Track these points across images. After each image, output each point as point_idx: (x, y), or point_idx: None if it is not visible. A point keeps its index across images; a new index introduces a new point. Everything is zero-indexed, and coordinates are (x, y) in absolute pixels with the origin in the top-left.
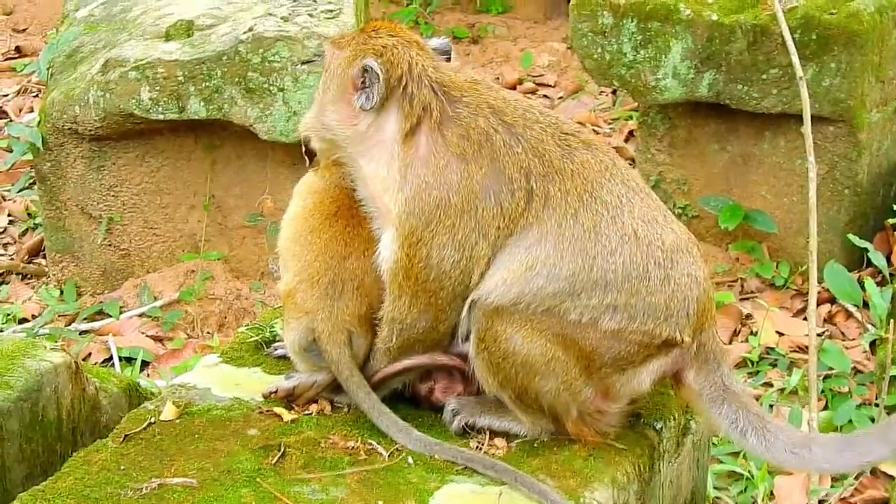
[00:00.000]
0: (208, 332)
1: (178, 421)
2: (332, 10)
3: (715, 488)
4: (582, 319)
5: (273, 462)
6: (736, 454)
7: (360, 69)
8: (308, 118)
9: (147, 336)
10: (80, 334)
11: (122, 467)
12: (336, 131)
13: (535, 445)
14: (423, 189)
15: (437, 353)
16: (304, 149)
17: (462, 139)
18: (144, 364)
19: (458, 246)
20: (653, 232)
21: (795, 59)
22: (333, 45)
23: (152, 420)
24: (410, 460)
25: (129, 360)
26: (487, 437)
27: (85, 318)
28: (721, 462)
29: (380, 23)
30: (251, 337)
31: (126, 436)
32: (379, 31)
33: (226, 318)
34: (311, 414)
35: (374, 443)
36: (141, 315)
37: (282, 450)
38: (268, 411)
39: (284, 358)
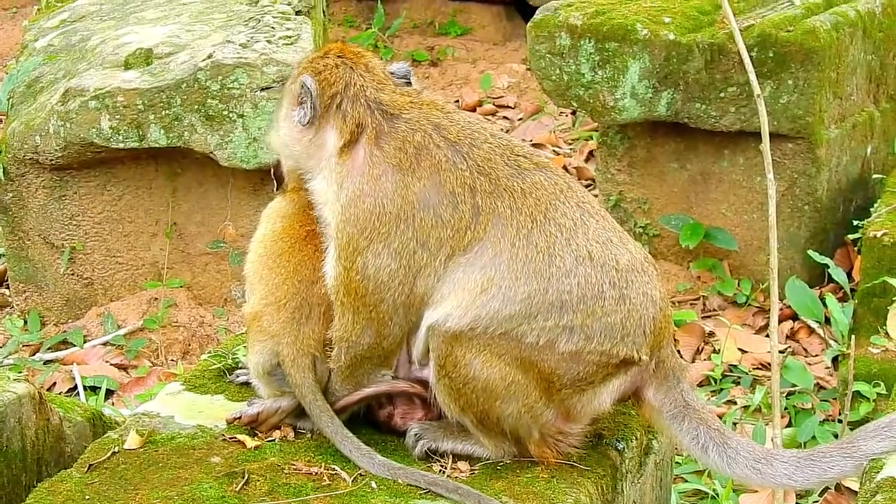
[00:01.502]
0: (172, 360)
1: (141, 450)
2: (290, 37)
3: None
4: (539, 342)
5: (237, 489)
6: (700, 472)
7: (298, 86)
8: (270, 136)
9: (111, 364)
10: (44, 364)
11: (87, 497)
12: (289, 147)
13: (498, 468)
14: (358, 197)
15: (396, 379)
16: (272, 172)
17: (399, 151)
18: (109, 393)
19: (394, 255)
20: (607, 253)
21: (753, 76)
22: (296, 66)
23: (116, 449)
24: (374, 485)
25: (93, 389)
26: (450, 460)
27: (49, 348)
28: (686, 481)
29: (336, 45)
30: (214, 364)
31: (90, 465)
32: (329, 53)
33: (190, 345)
34: (274, 440)
35: (337, 468)
36: (105, 344)
37: (245, 477)
38: (231, 438)
39: (247, 384)
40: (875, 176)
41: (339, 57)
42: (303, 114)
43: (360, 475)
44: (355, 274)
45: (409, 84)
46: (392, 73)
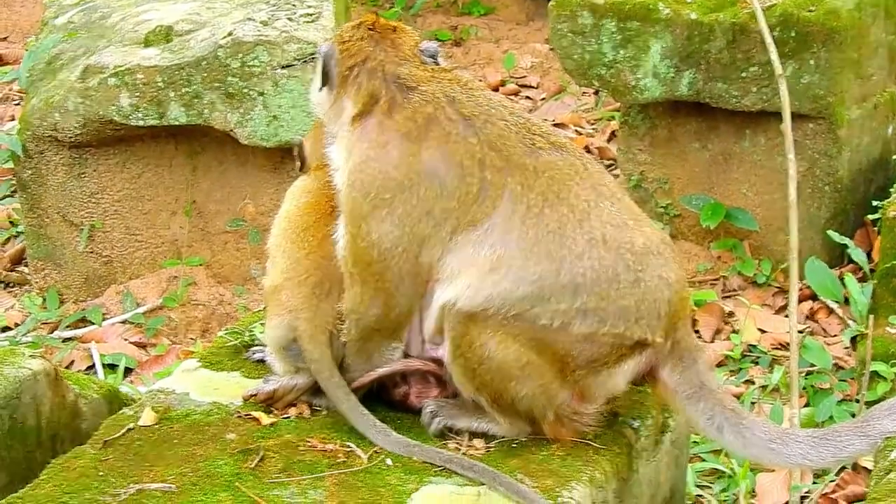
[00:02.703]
0: (191, 338)
1: (156, 426)
2: (311, 14)
3: (697, 486)
4: (553, 324)
5: (252, 466)
6: (718, 452)
7: (319, 53)
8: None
9: (130, 343)
10: (63, 342)
11: (101, 473)
12: (317, 110)
13: (514, 446)
14: (364, 162)
15: (410, 358)
16: (296, 152)
17: (408, 120)
18: (128, 371)
19: (397, 222)
20: (622, 236)
21: (775, 56)
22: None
23: (131, 426)
24: (389, 462)
25: (112, 367)
26: (466, 438)
27: (68, 326)
28: (703, 460)
29: (370, 17)
30: (230, 341)
31: (105, 442)
32: (362, 24)
33: (209, 323)
34: (289, 417)
35: (352, 445)
36: (124, 322)
37: (260, 454)
38: (246, 415)
39: (262, 362)
40: (895, 157)
41: (369, 29)
42: (318, 79)
43: (376, 452)
44: (360, 241)
45: (436, 63)
46: (421, 51)
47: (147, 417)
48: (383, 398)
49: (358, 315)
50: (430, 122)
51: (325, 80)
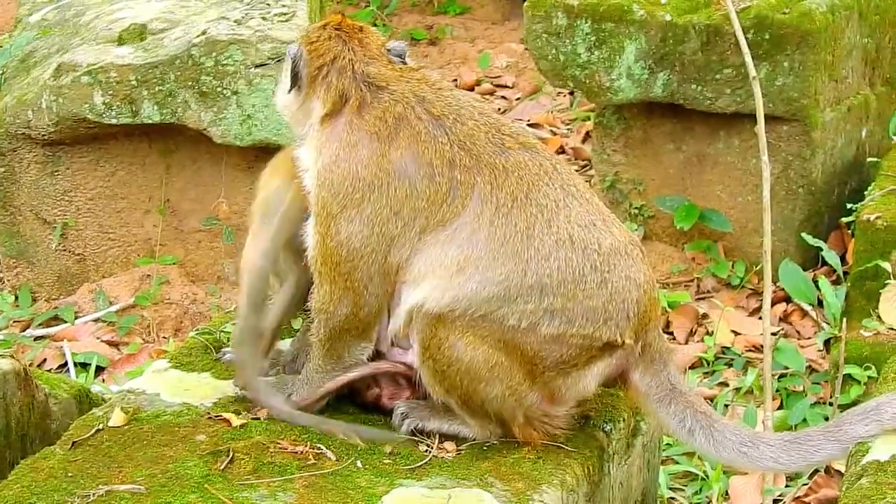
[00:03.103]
0: (164, 337)
1: (126, 427)
2: (285, 13)
3: (670, 489)
4: (521, 325)
5: (221, 468)
6: (691, 454)
7: (288, 54)
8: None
9: (102, 341)
10: (35, 340)
11: (70, 474)
12: (284, 113)
13: (485, 448)
14: (333, 162)
15: (378, 361)
16: None
17: (378, 120)
18: (100, 369)
19: (366, 221)
20: (590, 236)
21: (748, 58)
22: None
23: (101, 426)
24: (359, 464)
25: (84, 366)
26: (437, 440)
27: (40, 324)
28: (676, 462)
29: (336, 17)
30: (201, 342)
31: (74, 442)
32: (328, 25)
33: (182, 322)
34: (259, 419)
35: (322, 447)
36: (96, 320)
37: (230, 455)
38: (217, 416)
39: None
40: (870, 159)
41: (335, 29)
42: (288, 81)
43: (346, 454)
44: (329, 240)
45: (404, 62)
46: (389, 51)
47: (117, 418)
48: (355, 400)
49: (327, 315)
50: (399, 122)
51: (295, 81)
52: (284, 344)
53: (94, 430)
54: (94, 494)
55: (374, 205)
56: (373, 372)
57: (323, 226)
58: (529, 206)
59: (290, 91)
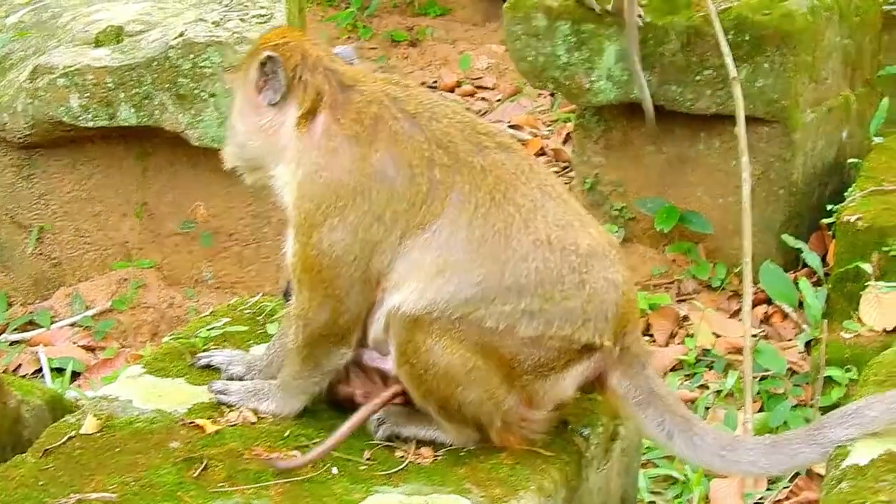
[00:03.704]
0: (141, 341)
1: (98, 434)
2: (263, 15)
3: (650, 492)
4: (498, 327)
5: (195, 475)
6: (671, 458)
7: (258, 66)
8: (226, 150)
9: (79, 346)
10: (10, 345)
11: (41, 483)
12: (249, 146)
13: (462, 454)
14: (315, 172)
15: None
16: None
17: (355, 122)
18: (76, 374)
19: (349, 229)
20: (567, 237)
21: (729, 60)
22: (230, 71)
23: (73, 434)
24: (335, 471)
25: (60, 371)
26: (413, 446)
27: (15, 329)
28: (656, 466)
29: (269, 33)
30: (176, 347)
31: (46, 450)
32: (267, 38)
33: (159, 326)
34: (234, 425)
35: (298, 454)
36: (73, 325)
37: (204, 462)
38: (190, 423)
39: (209, 367)
40: (850, 160)
41: (283, 37)
42: (272, 92)
43: (321, 461)
44: (311, 249)
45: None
46: (337, 55)
47: (89, 425)
48: (328, 399)
49: (306, 321)
50: (377, 123)
51: (278, 90)
52: (259, 349)
53: (66, 438)
54: (65, 503)
55: (357, 211)
56: (380, 405)
57: (305, 235)
58: (507, 206)
59: (276, 101)
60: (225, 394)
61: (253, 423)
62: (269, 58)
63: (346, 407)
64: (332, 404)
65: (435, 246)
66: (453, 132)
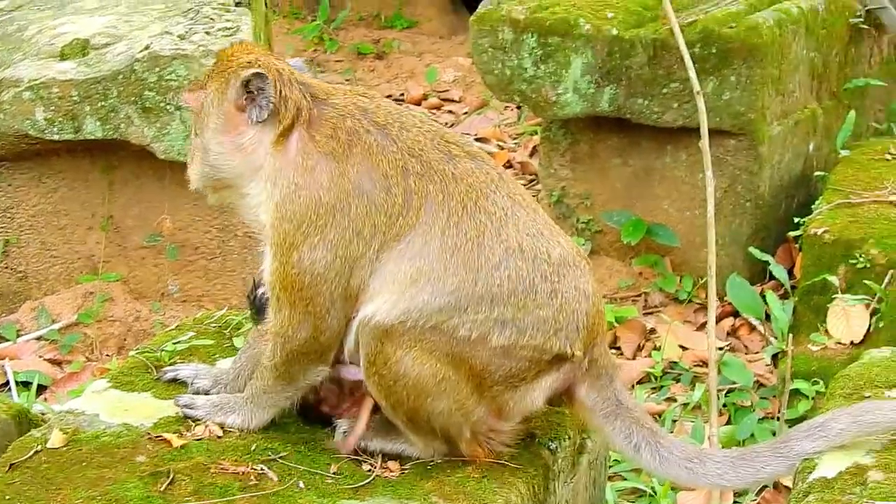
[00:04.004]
0: (107, 355)
1: (65, 448)
2: (229, 28)
3: None
4: (471, 336)
5: (161, 489)
6: (638, 470)
7: (240, 85)
8: (193, 171)
9: (45, 360)
10: None
11: (8, 497)
12: (225, 166)
13: (429, 467)
14: (293, 192)
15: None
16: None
17: (330, 139)
18: (42, 388)
19: (330, 246)
20: (539, 245)
21: (693, 73)
22: (191, 90)
23: (39, 448)
24: (301, 485)
25: (26, 385)
26: (380, 459)
27: None
28: (624, 478)
29: (230, 49)
30: (142, 361)
31: (11, 465)
32: (233, 54)
33: (125, 340)
34: (200, 439)
35: (265, 468)
36: (39, 338)
37: (170, 476)
38: (157, 437)
39: (175, 381)
40: (817, 173)
41: (248, 53)
42: (259, 109)
43: (288, 475)
44: (291, 268)
45: None
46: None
47: (55, 439)
48: (299, 411)
49: (285, 338)
50: (351, 138)
51: (264, 106)
52: (225, 363)
53: (32, 452)
54: None
55: (338, 228)
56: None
57: (285, 255)
58: (479, 215)
59: (265, 118)
60: (191, 408)
61: (219, 437)
62: (257, 75)
63: (316, 419)
64: (302, 416)
65: (409, 256)
66: (423, 141)
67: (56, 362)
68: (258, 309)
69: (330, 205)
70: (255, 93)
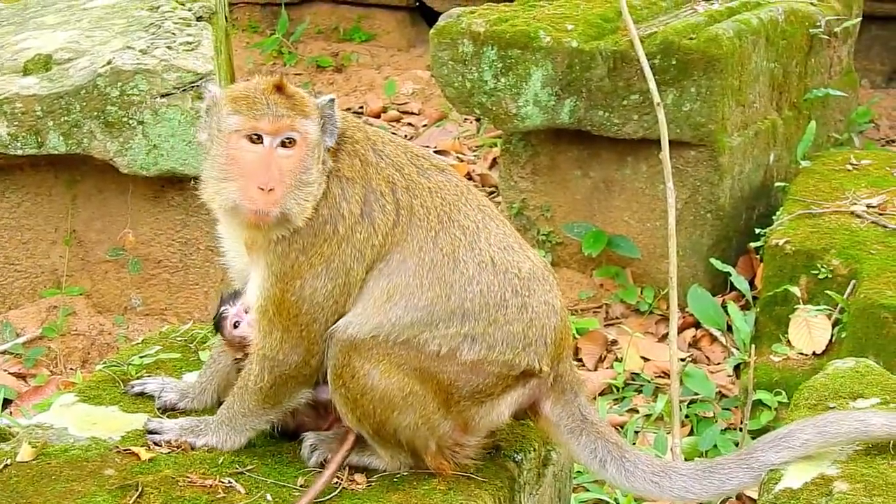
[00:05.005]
0: (72, 369)
1: (34, 462)
2: (190, 43)
3: None
4: (441, 350)
5: (130, 502)
6: (602, 482)
7: (323, 110)
8: (299, 209)
9: (9, 373)
10: None
11: None
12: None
13: (395, 480)
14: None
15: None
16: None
17: (350, 164)
18: (7, 402)
19: (332, 275)
20: (509, 259)
21: (653, 85)
22: (265, 127)
23: (8, 462)
24: (269, 497)
25: None
26: (347, 472)
27: None
28: (587, 490)
29: (241, 87)
30: (109, 374)
31: None
32: (268, 84)
33: (89, 353)
34: (169, 452)
35: (232, 481)
36: (3, 352)
37: (139, 489)
38: (125, 450)
39: (143, 395)
40: (777, 184)
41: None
42: (332, 135)
43: (255, 488)
44: (291, 295)
45: None
46: None
47: (24, 453)
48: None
49: (275, 362)
50: (360, 158)
51: (333, 131)
52: (191, 376)
53: (1, 466)
54: None
55: (343, 255)
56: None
57: (285, 283)
58: (453, 229)
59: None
60: (159, 433)
61: (186, 451)
62: (332, 100)
63: (292, 435)
64: (279, 432)
65: (386, 273)
66: (399, 154)
67: (21, 376)
68: (217, 327)
69: (340, 234)
70: (328, 118)
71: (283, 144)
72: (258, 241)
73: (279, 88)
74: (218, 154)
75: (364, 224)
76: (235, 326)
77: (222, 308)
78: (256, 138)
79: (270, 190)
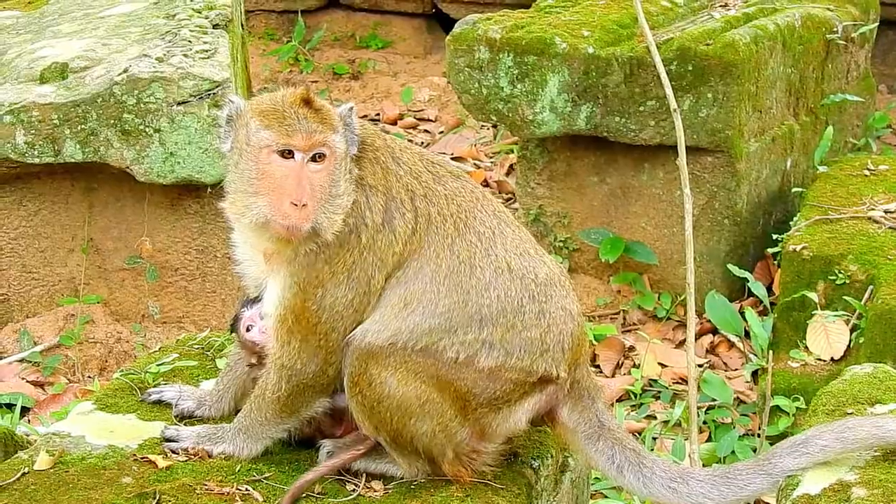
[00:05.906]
0: (89, 377)
1: (52, 470)
2: (207, 51)
3: None
4: (459, 357)
5: None
6: (620, 489)
7: (345, 120)
8: (330, 223)
9: (27, 382)
10: None
11: None
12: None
13: (413, 487)
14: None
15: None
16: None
17: (371, 170)
18: (25, 410)
19: (353, 285)
20: (526, 265)
21: (669, 91)
22: (294, 139)
23: (26, 470)
24: None
25: (9, 407)
26: (364, 480)
27: None
28: (605, 497)
29: (268, 97)
30: (127, 382)
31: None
32: (295, 96)
33: (107, 361)
34: (186, 460)
35: (249, 488)
36: (21, 360)
37: (156, 497)
38: (143, 458)
39: (160, 403)
40: (795, 189)
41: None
42: (354, 143)
43: (273, 495)
44: (311, 304)
45: None
46: None
47: (42, 461)
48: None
49: (292, 371)
50: (381, 166)
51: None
52: (208, 384)
53: (19, 474)
54: None
55: (364, 264)
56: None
57: (307, 292)
58: (469, 235)
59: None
60: (177, 441)
61: (204, 459)
62: (352, 108)
63: (309, 442)
64: (295, 440)
65: (403, 281)
66: (416, 161)
67: (38, 384)
68: (233, 328)
69: (363, 243)
70: (349, 126)
71: (313, 159)
72: (282, 252)
73: (307, 102)
74: (247, 169)
75: (385, 232)
76: (248, 330)
77: (241, 309)
78: (288, 154)
79: (304, 206)
